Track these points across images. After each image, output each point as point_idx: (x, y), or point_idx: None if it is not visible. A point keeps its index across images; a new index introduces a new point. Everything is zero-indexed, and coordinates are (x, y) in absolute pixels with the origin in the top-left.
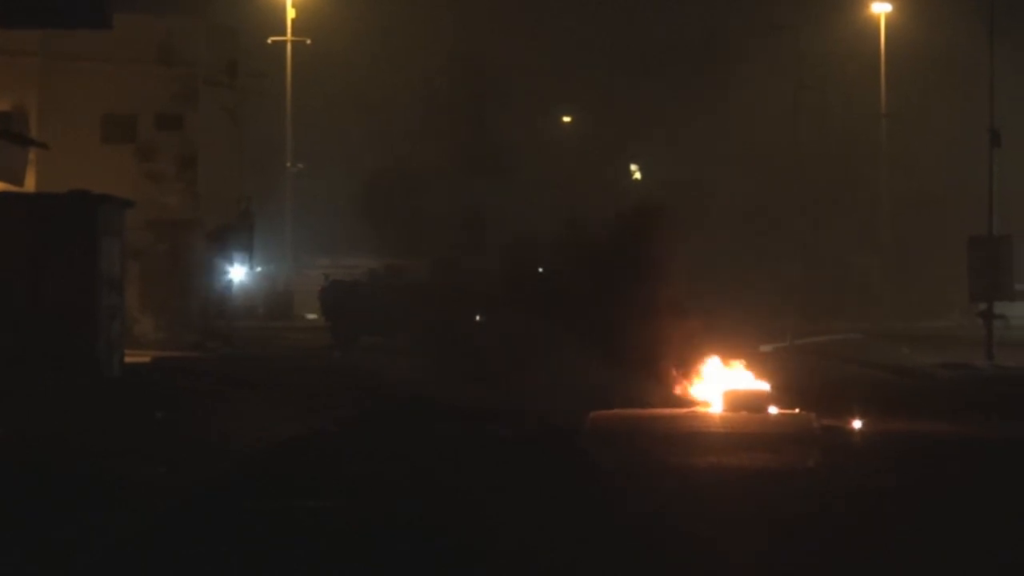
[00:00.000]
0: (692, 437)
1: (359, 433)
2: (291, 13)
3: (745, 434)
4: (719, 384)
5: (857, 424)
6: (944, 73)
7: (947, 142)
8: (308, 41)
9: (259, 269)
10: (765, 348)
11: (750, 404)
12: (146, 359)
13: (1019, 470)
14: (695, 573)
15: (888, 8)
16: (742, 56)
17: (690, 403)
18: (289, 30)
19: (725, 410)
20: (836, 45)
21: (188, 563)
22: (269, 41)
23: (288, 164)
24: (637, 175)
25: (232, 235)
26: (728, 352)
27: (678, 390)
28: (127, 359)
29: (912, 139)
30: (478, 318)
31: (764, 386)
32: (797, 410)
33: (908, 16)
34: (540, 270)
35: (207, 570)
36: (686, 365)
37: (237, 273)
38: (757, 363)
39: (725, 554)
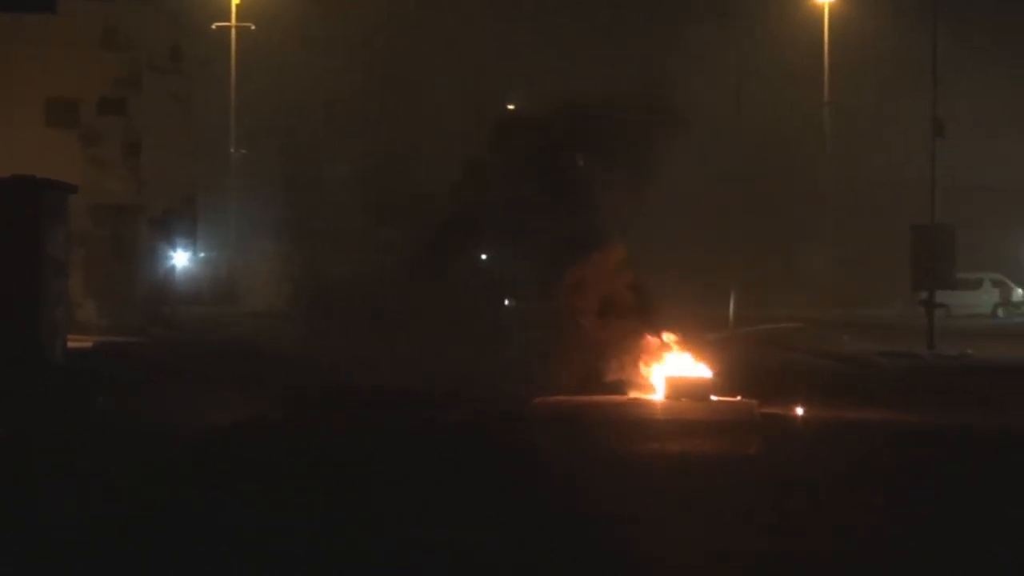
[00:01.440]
0: (634, 424)
1: (304, 419)
2: None
3: (687, 421)
4: (661, 371)
5: (799, 412)
6: (889, 62)
7: (893, 131)
8: (252, 27)
9: (203, 255)
10: (710, 336)
11: (692, 391)
12: (89, 344)
13: (956, 457)
14: (638, 559)
15: None
16: (686, 44)
17: (631, 389)
18: (233, 15)
19: (667, 397)
20: (781, 33)
21: (135, 551)
22: (213, 27)
23: (232, 150)
24: (581, 163)
25: (176, 221)
26: (673, 339)
27: (620, 375)
28: (70, 344)
29: (857, 128)
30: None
31: (706, 373)
32: (739, 397)
33: (853, 4)
34: (483, 256)
35: (157, 558)
36: (630, 350)
37: (181, 259)
38: (701, 350)
39: (667, 540)
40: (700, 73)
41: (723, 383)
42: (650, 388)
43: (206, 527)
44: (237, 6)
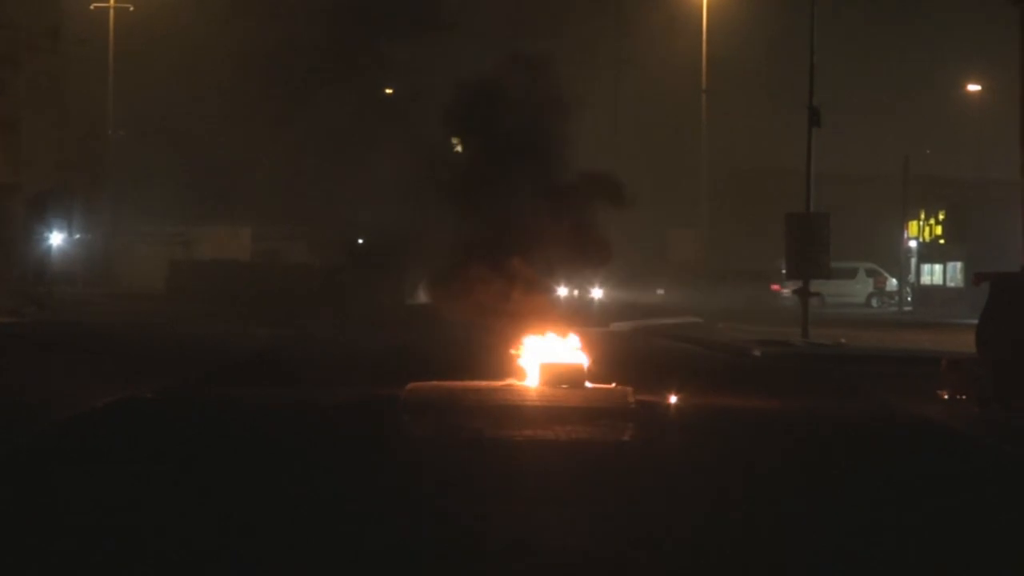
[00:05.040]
0: (508, 409)
1: (178, 400)
2: None
3: (561, 407)
4: (537, 357)
5: (672, 399)
6: (767, 50)
7: (769, 119)
8: (131, 8)
9: (78, 236)
10: (613, 326)
11: (566, 378)
12: None
13: (825, 442)
14: (509, 544)
15: None
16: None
17: (506, 375)
18: None
19: (541, 383)
20: (661, 20)
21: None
22: (92, 7)
23: (110, 131)
24: (459, 148)
25: (52, 201)
26: (555, 327)
27: (505, 361)
28: None
29: (734, 115)
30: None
31: (581, 360)
32: (613, 384)
33: None
34: (360, 241)
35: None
36: (515, 336)
37: (56, 239)
38: (580, 339)
39: (540, 525)
40: (578, 60)
41: (600, 370)
42: (525, 374)
43: (74, 508)
44: None
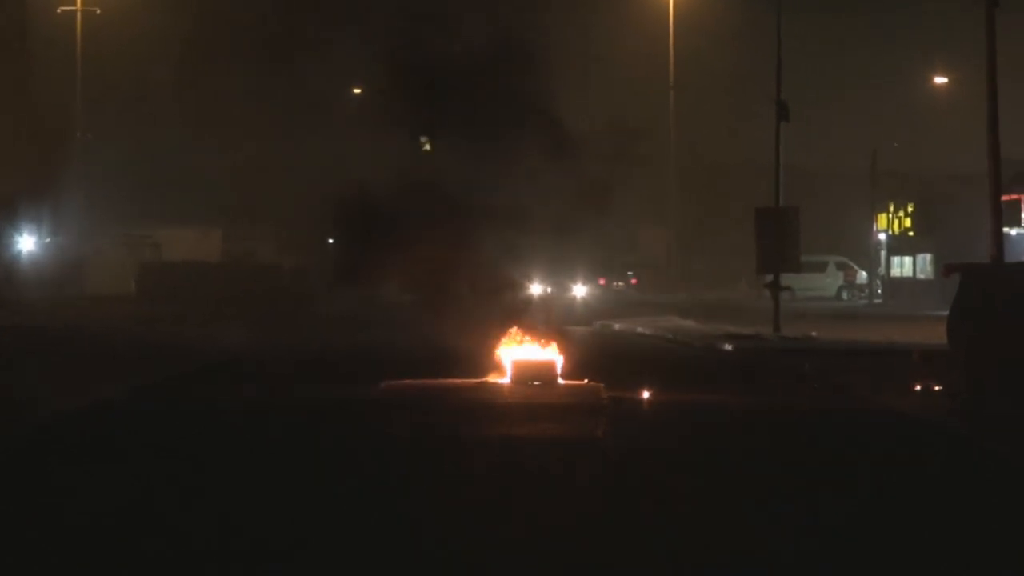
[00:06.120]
0: (483, 407)
1: (152, 401)
2: None
3: (535, 405)
4: (509, 355)
5: (644, 395)
6: (735, 45)
7: (738, 115)
8: (98, 11)
9: (48, 240)
10: (596, 324)
11: (538, 375)
12: None
13: (797, 437)
14: (484, 542)
15: None
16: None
17: (480, 373)
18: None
19: (514, 381)
20: (628, 16)
21: None
22: (59, 11)
23: (78, 134)
24: (427, 147)
25: (22, 204)
26: (533, 327)
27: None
28: None
29: (703, 111)
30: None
31: (553, 357)
32: (586, 381)
33: None
34: (330, 240)
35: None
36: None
37: (27, 243)
38: (568, 336)
39: (514, 521)
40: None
41: (573, 367)
42: (500, 371)
43: (48, 512)
44: None
